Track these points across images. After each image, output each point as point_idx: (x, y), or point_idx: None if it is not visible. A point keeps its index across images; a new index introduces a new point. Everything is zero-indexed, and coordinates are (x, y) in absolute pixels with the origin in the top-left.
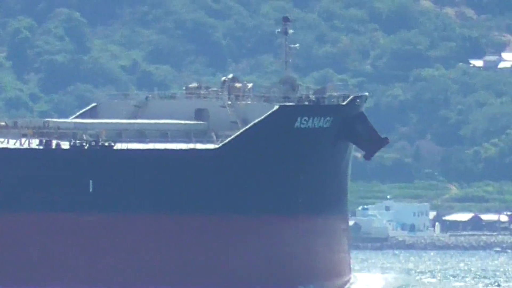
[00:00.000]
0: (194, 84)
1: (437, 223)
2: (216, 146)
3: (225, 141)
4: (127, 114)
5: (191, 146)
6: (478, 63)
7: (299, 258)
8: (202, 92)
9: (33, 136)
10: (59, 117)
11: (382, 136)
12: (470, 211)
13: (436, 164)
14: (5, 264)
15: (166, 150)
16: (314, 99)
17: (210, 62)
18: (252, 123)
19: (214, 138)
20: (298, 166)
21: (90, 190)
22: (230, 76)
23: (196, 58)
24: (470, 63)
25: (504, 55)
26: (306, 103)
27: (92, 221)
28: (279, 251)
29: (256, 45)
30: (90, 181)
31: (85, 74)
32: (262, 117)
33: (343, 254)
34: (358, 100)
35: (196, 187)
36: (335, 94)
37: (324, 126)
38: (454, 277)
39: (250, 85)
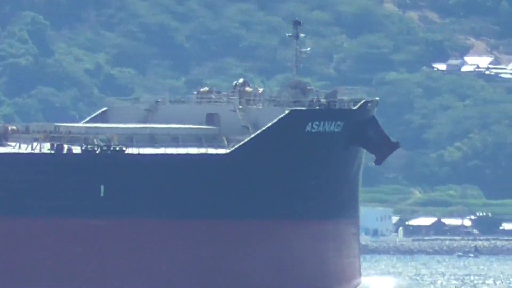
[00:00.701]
0: (205, 89)
1: (400, 228)
2: (227, 150)
3: (236, 146)
4: (137, 118)
5: (202, 150)
6: (442, 66)
7: (309, 263)
8: (213, 96)
9: (45, 140)
10: (22, 121)
11: (394, 141)
12: (433, 215)
13: (400, 169)
14: (17, 268)
15: (177, 154)
16: (325, 103)
17: (174, 65)
18: (263, 128)
19: (225, 142)
20: (309, 170)
21: (102, 194)
22: (241, 80)
23: (160, 62)
24: (434, 67)
25: (468, 58)
26: (317, 107)
27: (103, 226)
28: (289, 256)
29: (220, 48)
30: (102, 186)
31: (48, 77)
32: (273, 121)
33: (353, 259)
34: (369, 105)
35: (208, 192)
36: (346, 98)
37: (335, 130)
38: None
39: (261, 89)
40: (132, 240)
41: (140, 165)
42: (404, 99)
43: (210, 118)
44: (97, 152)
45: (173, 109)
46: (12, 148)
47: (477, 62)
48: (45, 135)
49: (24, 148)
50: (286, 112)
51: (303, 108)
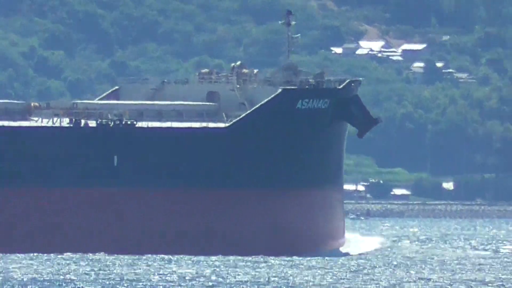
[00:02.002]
0: (206, 70)
1: None
2: (226, 125)
3: (234, 121)
4: (146, 96)
5: (204, 125)
6: (338, 50)
7: (300, 225)
8: (213, 76)
9: (64, 115)
10: None
11: (374, 117)
12: None
13: None
14: (40, 232)
15: (182, 128)
16: (313, 83)
17: (100, 49)
18: (258, 105)
19: (225, 118)
20: (299, 143)
21: (115, 164)
22: (238, 63)
23: (87, 45)
24: (331, 50)
25: (361, 43)
26: (307, 86)
27: (117, 194)
28: (283, 219)
29: (140, 33)
30: (115, 156)
31: None
32: (267, 99)
33: (338, 221)
34: (353, 84)
35: (209, 162)
36: (332, 78)
37: (322, 107)
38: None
39: (256, 70)
40: (141, 205)
41: (149, 137)
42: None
43: (211, 96)
44: (110, 126)
45: (178, 88)
46: (35, 122)
47: (370, 46)
48: (64, 111)
49: (46, 122)
50: (279, 90)
51: (294, 87)
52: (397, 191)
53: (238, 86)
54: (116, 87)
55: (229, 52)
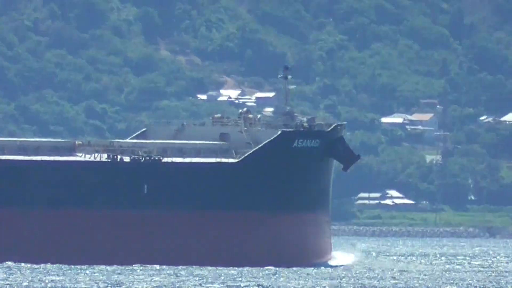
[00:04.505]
0: (218, 115)
1: None
2: (236, 160)
3: (242, 157)
4: (169, 136)
5: (218, 160)
6: (203, 97)
7: (296, 243)
8: (224, 120)
9: (103, 152)
10: None
11: (356, 154)
12: None
13: None
14: (83, 248)
15: (200, 163)
16: (307, 126)
17: (5, 94)
18: (262, 144)
19: (234, 154)
20: (295, 175)
21: (145, 192)
22: (245, 109)
23: None
24: (197, 97)
25: (222, 91)
26: (301, 129)
27: (146, 216)
28: (281, 238)
29: (40, 82)
30: (145, 185)
31: None
32: (269, 139)
33: (327, 239)
34: (339, 127)
35: (222, 190)
36: (322, 122)
37: (314, 146)
38: None
39: (259, 116)
40: (167, 226)
41: (173, 170)
42: (174, 121)
43: (223, 136)
44: (141, 160)
45: (195, 129)
46: (79, 157)
47: (229, 93)
48: (104, 148)
49: (88, 157)
50: (279, 132)
51: (291, 130)
52: None
53: (245, 128)
54: (144, 129)
55: (112, 98)
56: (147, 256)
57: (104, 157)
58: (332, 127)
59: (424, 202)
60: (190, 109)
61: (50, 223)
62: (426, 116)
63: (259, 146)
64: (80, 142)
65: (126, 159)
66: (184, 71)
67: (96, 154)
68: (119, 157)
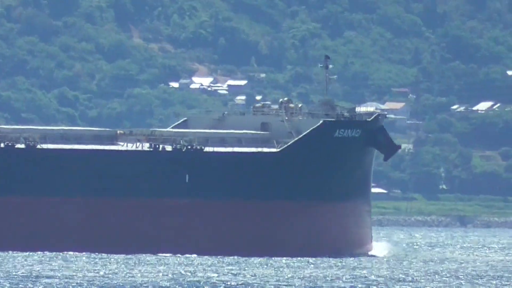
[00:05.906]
0: (259, 104)
1: None
2: (277, 150)
3: (283, 147)
4: (210, 125)
5: (259, 149)
6: (175, 84)
7: (336, 232)
8: (265, 110)
9: (144, 141)
10: None
11: (397, 144)
12: None
13: None
14: (125, 235)
15: (241, 152)
16: (348, 116)
17: None
18: (303, 133)
19: (275, 144)
20: (336, 164)
21: (186, 181)
22: (286, 98)
23: None
24: (169, 85)
25: (194, 78)
26: (342, 119)
27: (188, 205)
28: (321, 227)
29: (12, 69)
30: (187, 175)
31: None
32: (311, 129)
33: (367, 229)
34: (379, 117)
35: (262, 179)
36: (363, 112)
37: (355, 136)
38: None
39: (300, 105)
40: (209, 215)
41: (214, 159)
42: (146, 108)
43: (264, 126)
44: (183, 150)
45: (236, 119)
46: (121, 147)
47: (201, 81)
48: (145, 137)
49: (130, 147)
50: (320, 122)
51: (333, 119)
52: None
53: (286, 118)
54: (185, 118)
55: (84, 85)
56: (188, 243)
57: (146, 146)
58: (373, 117)
59: (396, 190)
60: (162, 96)
61: (92, 212)
62: (398, 105)
63: (300, 136)
64: (122, 131)
65: (168, 148)
66: (156, 58)
67: (138, 143)
68: (161, 146)
